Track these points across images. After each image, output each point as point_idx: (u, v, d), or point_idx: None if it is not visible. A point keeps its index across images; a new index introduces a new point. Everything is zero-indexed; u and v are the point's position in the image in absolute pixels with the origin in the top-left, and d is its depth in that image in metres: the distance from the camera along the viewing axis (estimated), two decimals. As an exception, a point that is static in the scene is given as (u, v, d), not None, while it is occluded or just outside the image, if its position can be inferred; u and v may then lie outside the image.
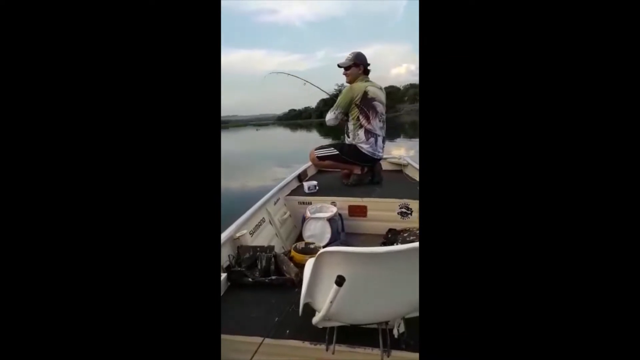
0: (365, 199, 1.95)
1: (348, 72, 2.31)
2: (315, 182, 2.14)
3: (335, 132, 2.37)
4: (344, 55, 2.35)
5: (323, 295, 0.76)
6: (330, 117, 2.32)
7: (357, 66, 2.29)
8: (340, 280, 0.68)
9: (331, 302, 0.72)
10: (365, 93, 2.19)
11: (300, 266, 1.23)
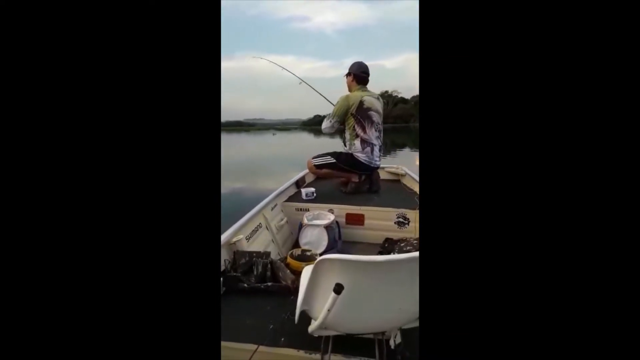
0: (362, 208, 1.94)
1: (347, 81, 2.37)
2: (313, 189, 2.14)
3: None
4: (373, 63, 2.37)
5: (321, 303, 0.75)
6: (326, 125, 2.33)
7: (349, 75, 2.33)
8: (338, 288, 0.67)
9: (329, 310, 0.72)
10: (361, 102, 2.21)
11: (297, 273, 1.22)
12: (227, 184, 6.12)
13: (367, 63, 2.35)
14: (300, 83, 2.70)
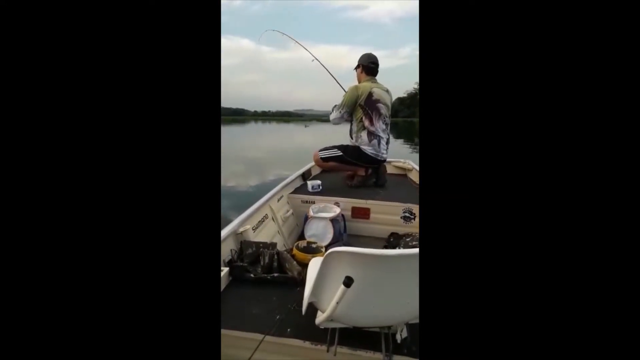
0: (368, 201, 1.94)
1: (356, 73, 2.34)
2: (319, 182, 2.13)
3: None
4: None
5: (329, 295, 0.76)
6: (335, 115, 2.27)
7: (359, 67, 2.31)
8: (348, 281, 0.67)
9: (337, 302, 0.72)
10: (370, 94, 2.18)
11: (302, 265, 1.22)
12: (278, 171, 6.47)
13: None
14: (312, 60, 2.62)
